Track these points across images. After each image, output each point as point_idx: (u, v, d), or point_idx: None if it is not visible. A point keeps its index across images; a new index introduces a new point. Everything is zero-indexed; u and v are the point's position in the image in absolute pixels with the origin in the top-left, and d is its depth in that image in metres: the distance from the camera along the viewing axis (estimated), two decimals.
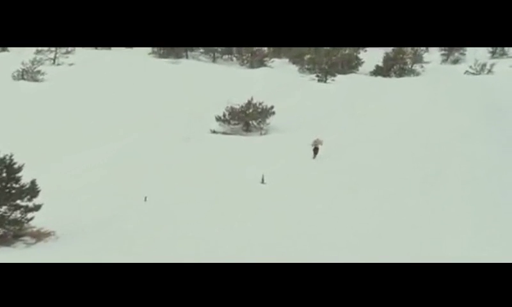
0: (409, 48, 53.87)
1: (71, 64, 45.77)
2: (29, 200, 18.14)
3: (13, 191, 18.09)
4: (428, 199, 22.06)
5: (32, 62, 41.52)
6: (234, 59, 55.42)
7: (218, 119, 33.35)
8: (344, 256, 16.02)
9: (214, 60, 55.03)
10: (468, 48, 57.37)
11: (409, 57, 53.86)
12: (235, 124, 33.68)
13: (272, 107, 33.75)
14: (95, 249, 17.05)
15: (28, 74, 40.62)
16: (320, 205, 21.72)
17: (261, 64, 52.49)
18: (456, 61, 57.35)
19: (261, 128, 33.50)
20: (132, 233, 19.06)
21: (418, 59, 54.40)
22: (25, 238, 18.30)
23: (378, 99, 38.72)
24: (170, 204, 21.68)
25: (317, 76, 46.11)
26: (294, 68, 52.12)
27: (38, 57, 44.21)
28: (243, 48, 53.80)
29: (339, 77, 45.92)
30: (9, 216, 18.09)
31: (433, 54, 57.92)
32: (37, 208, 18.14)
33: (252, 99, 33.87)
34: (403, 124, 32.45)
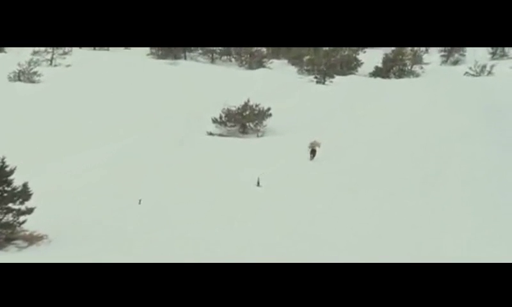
0: (408, 49, 53.61)
1: (68, 66, 45.51)
2: (21, 203, 17.93)
3: (5, 194, 17.85)
4: (428, 199, 22.00)
5: (29, 64, 41.18)
6: (233, 60, 55.14)
7: (215, 121, 33.15)
8: (344, 256, 15.99)
9: (212, 61, 54.78)
10: (468, 50, 57.17)
11: (409, 59, 53.58)
12: (231, 126, 33.45)
13: (269, 109, 33.49)
14: (90, 252, 16.81)
15: (24, 75, 40.29)
16: (319, 206, 21.63)
17: (260, 65, 52.24)
18: (455, 62, 57.08)
19: (258, 130, 33.26)
20: (131, 234, 18.92)
21: (417, 60, 54.12)
22: (18, 241, 18.11)
23: (377, 100, 38.50)
24: (168, 205, 21.56)
25: (316, 77, 45.79)
26: (293, 69, 51.90)
27: (35, 58, 43.91)
28: (242, 49, 53.56)
29: (338, 78, 45.66)
30: (0, 219, 17.88)
31: (433, 55, 57.71)
32: (29, 211, 17.96)
33: (249, 101, 33.63)
34: (403, 124, 32.32)
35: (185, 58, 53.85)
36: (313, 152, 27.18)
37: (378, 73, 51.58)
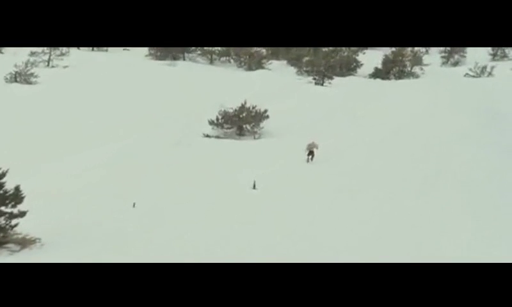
0: (408, 50, 53.40)
1: (65, 67, 45.30)
2: (13, 206, 17.66)
3: None
4: (428, 200, 21.89)
5: (26, 65, 40.90)
6: (232, 61, 54.95)
7: (211, 123, 32.84)
8: (344, 256, 15.96)
9: (211, 62, 54.61)
10: (468, 51, 57.02)
11: (409, 60, 53.35)
12: (228, 128, 33.13)
13: (265, 111, 33.07)
14: (87, 254, 16.59)
15: (21, 76, 40.01)
16: (319, 206, 21.46)
17: (259, 66, 52.05)
18: (456, 63, 56.93)
19: (255, 132, 32.90)
20: (131, 235, 18.68)
21: (417, 61, 53.89)
22: (10, 245, 17.83)
23: (376, 101, 38.34)
24: (166, 206, 21.40)
25: (314, 79, 45.53)
26: (292, 70, 51.70)
27: (32, 59, 43.63)
28: (241, 50, 53.37)
29: (337, 79, 45.47)
30: None
31: (433, 56, 57.58)
32: (22, 214, 17.67)
33: (245, 102, 33.23)
34: (402, 126, 32.20)
35: (183, 59, 53.73)
36: (310, 153, 26.84)
37: (378, 74, 51.36)
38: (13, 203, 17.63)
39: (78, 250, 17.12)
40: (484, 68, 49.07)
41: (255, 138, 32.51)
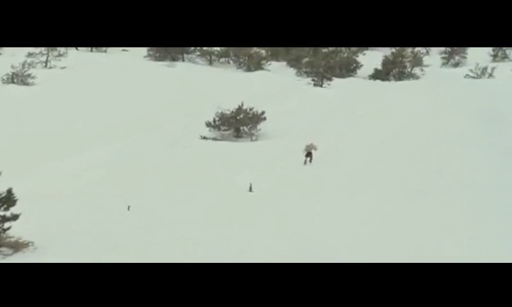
0: (408, 51, 53.11)
1: (63, 68, 45.07)
2: (6, 209, 17.41)
3: None
4: (428, 201, 21.91)
5: (23, 66, 40.65)
6: (231, 62, 54.73)
7: (208, 125, 32.64)
8: (344, 257, 16.00)
9: (210, 63, 54.41)
10: (469, 52, 56.77)
11: (409, 61, 53.07)
12: (225, 130, 32.96)
13: (263, 113, 32.88)
14: (83, 256, 16.37)
15: (18, 78, 39.78)
16: (319, 207, 21.42)
17: (258, 67, 51.83)
18: (456, 64, 56.69)
19: (252, 134, 32.70)
20: (131, 236, 18.59)
21: (418, 62, 53.60)
22: (2, 249, 17.60)
23: (376, 103, 38.07)
24: (165, 208, 21.39)
25: (313, 80, 45.29)
26: (292, 71, 51.48)
27: (29, 60, 43.42)
28: (240, 51, 53.14)
29: (336, 81, 45.26)
30: None
31: (433, 57, 57.39)
32: (14, 217, 17.44)
33: (242, 104, 33.04)
34: (402, 127, 32.05)
35: (183, 60, 53.56)
36: (309, 155, 26.65)
37: (378, 75, 51.07)
38: (5, 206, 17.43)
39: (76, 252, 16.92)
40: (485, 69, 48.81)
41: (252, 140, 32.28)
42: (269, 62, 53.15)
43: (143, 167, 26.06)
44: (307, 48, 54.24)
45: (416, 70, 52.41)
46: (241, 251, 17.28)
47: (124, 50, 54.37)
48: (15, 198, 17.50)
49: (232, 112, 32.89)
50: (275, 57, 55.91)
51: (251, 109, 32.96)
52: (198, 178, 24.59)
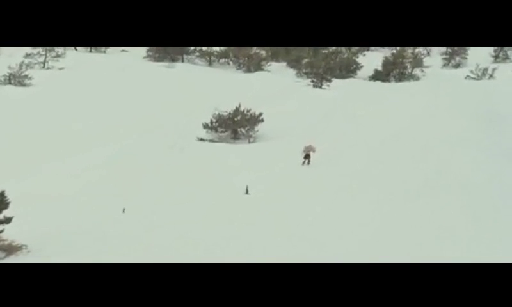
0: (409, 52, 52.80)
1: (61, 68, 44.84)
2: None
3: None
4: (428, 201, 21.97)
5: (20, 66, 40.39)
6: (230, 63, 54.48)
7: (205, 126, 32.37)
8: (344, 257, 16.04)
9: (210, 64, 54.19)
10: (470, 53, 56.48)
11: (409, 61, 52.75)
12: (222, 132, 32.68)
13: (260, 115, 32.59)
14: (82, 257, 16.37)
15: (15, 78, 39.54)
16: (319, 208, 21.44)
17: (258, 68, 51.59)
18: (457, 65, 56.40)
19: (249, 136, 32.35)
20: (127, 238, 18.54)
21: (418, 63, 53.30)
22: None
23: (376, 104, 37.88)
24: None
25: (312, 81, 45.05)
26: (292, 72, 51.24)
27: (27, 60, 43.16)
28: (240, 52, 52.90)
29: (336, 82, 45.04)
30: None
31: (434, 58, 57.13)
32: (7, 220, 17.35)
33: (240, 106, 32.79)
34: (402, 128, 31.96)
35: (182, 60, 53.35)
36: (307, 157, 26.43)
37: (378, 76, 50.80)
38: None
39: (75, 253, 16.97)
40: (486, 70, 48.56)
41: (249, 142, 32.02)
42: (269, 63, 52.88)
43: (142, 167, 26.07)
44: (307, 48, 53.98)
45: (417, 71, 52.11)
46: (241, 252, 17.33)
47: (123, 50, 54.12)
48: (8, 201, 17.39)
49: (230, 113, 32.54)
50: (275, 58, 55.68)
51: (248, 111, 32.58)
52: (195, 180, 24.50)
